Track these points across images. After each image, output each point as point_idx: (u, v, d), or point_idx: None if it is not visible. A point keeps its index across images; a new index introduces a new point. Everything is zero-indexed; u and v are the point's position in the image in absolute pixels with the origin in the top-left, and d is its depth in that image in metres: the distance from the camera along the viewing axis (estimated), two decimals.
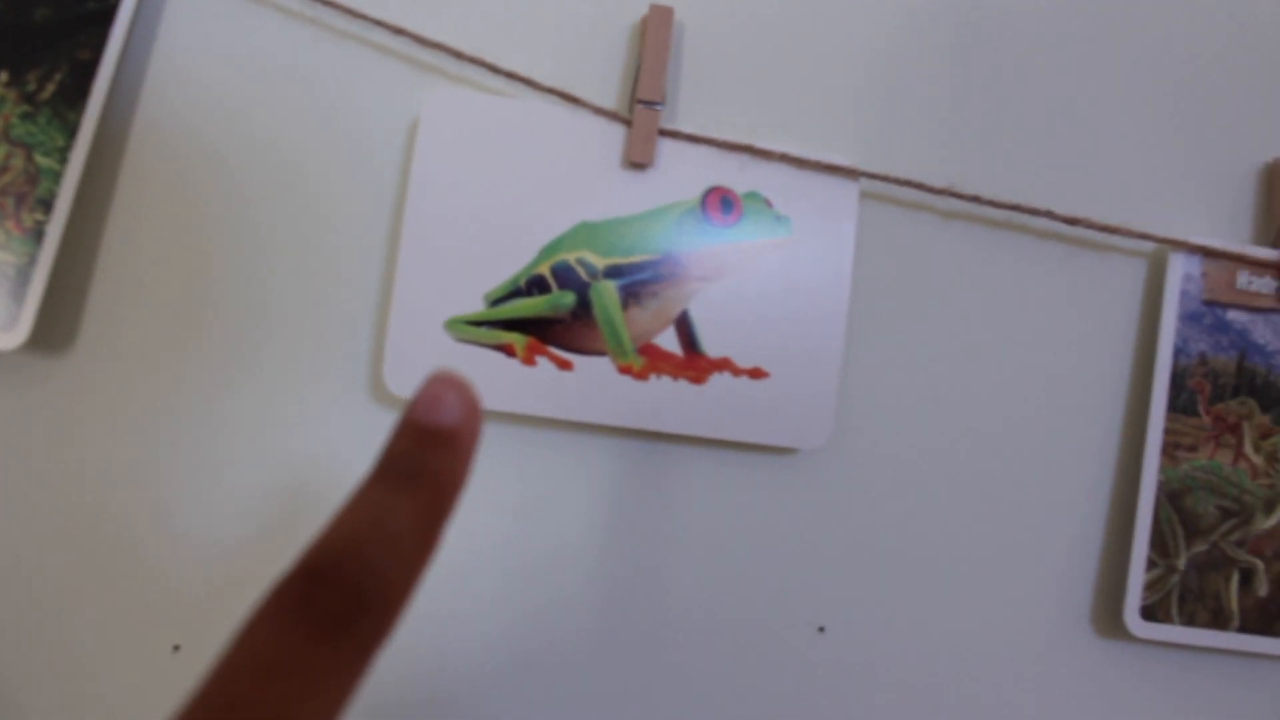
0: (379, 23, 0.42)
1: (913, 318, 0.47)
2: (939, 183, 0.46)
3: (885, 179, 0.45)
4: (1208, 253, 0.48)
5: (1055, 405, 0.48)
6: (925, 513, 0.47)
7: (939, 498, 0.47)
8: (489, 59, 0.43)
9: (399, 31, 0.43)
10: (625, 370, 0.43)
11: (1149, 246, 0.48)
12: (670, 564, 0.45)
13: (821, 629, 0.47)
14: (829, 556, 0.46)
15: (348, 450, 0.43)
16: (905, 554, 0.47)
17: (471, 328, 0.43)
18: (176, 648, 0.42)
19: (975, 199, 0.46)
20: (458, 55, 0.42)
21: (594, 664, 0.44)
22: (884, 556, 0.47)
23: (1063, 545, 0.48)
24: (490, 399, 0.42)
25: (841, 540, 0.46)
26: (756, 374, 0.45)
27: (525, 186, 0.43)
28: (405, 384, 0.42)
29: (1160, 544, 0.47)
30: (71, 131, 0.40)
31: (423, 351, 0.42)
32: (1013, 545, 0.48)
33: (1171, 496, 0.47)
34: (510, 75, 0.43)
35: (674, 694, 0.45)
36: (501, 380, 0.42)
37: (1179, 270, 0.48)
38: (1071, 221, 0.47)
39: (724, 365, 0.44)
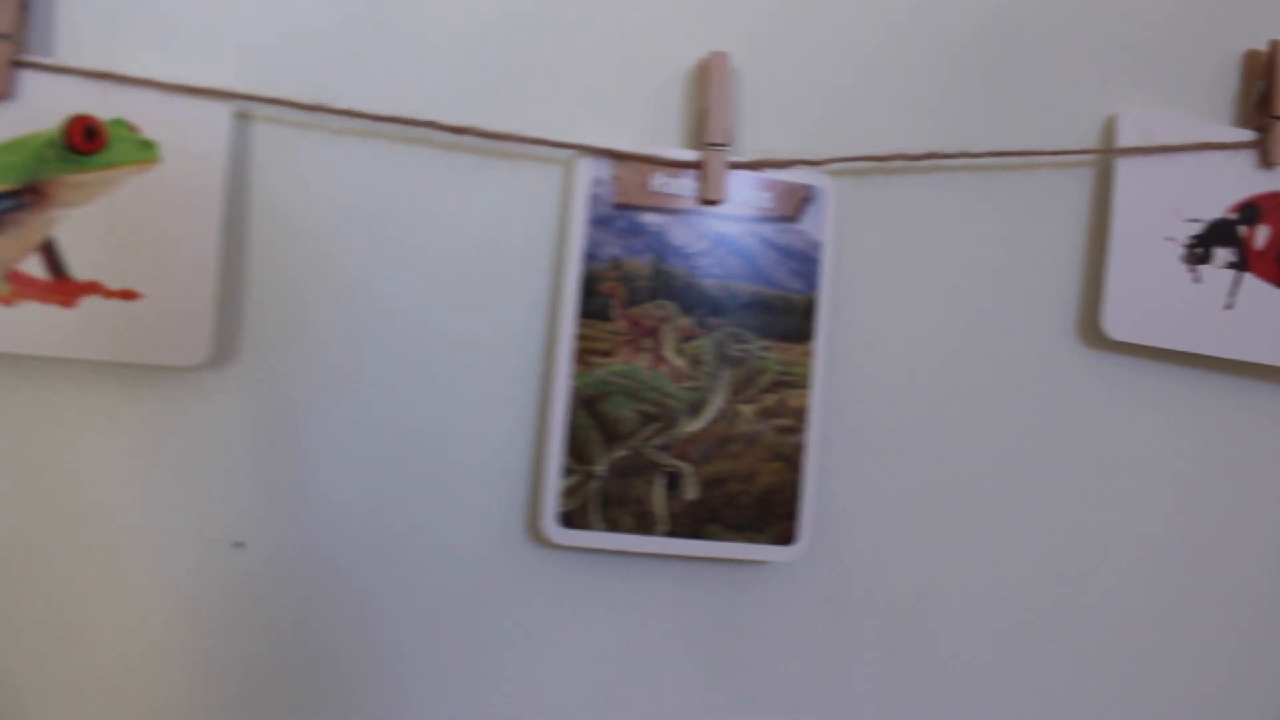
0: None
1: (318, 237, 0.47)
2: (334, 102, 0.46)
3: (252, 98, 0.45)
4: (617, 156, 0.48)
5: (478, 317, 0.48)
6: (341, 427, 0.48)
7: (359, 411, 0.48)
8: None
9: None
10: None
11: (565, 154, 0.48)
12: (81, 487, 0.46)
13: (240, 544, 0.47)
14: (241, 471, 0.47)
15: None
16: (319, 472, 0.48)
17: None
18: None
19: (348, 113, 0.46)
20: None
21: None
22: (299, 476, 0.47)
23: (494, 457, 0.48)
24: None
25: (253, 456, 0.47)
26: (128, 295, 0.45)
27: None
28: None
29: (577, 450, 0.47)
30: None
31: None
32: (446, 459, 0.49)
33: (587, 402, 0.47)
34: None
35: None
36: None
37: (587, 174, 0.48)
38: (459, 130, 0.47)
39: (93, 289, 0.45)
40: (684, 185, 0.48)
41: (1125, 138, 0.53)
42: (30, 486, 0.46)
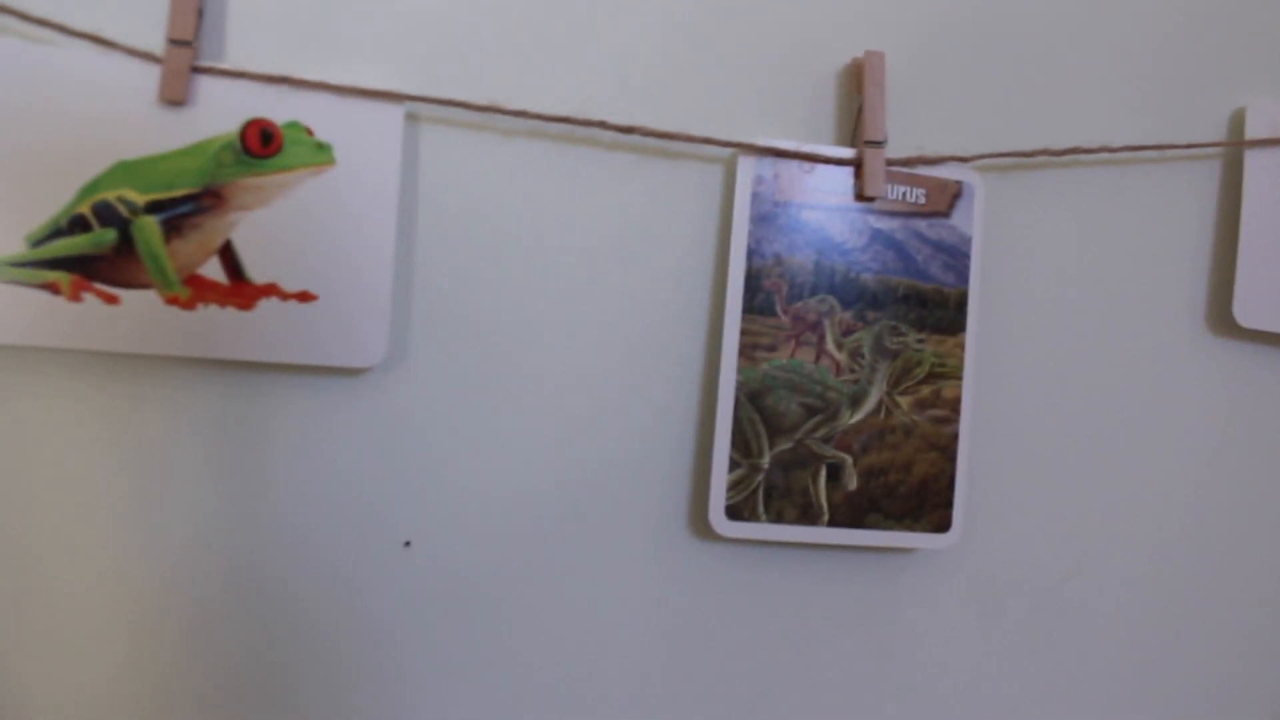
0: None
1: (486, 236, 0.48)
2: (504, 103, 0.47)
3: (426, 100, 0.46)
4: (778, 153, 0.49)
5: (642, 314, 0.49)
6: (510, 425, 0.49)
7: (525, 409, 0.49)
8: (17, 6, 0.44)
9: None
10: (172, 301, 0.45)
11: (725, 153, 0.49)
12: (263, 489, 0.46)
13: (408, 543, 0.48)
14: (411, 469, 0.47)
15: None
16: (486, 470, 0.49)
17: (14, 269, 0.44)
18: None
19: (519, 113, 0.46)
20: None
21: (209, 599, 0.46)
22: (467, 474, 0.48)
23: (658, 451, 0.50)
24: (40, 337, 0.44)
25: (422, 455, 0.47)
26: (305, 297, 0.46)
27: (61, 129, 0.44)
28: None
29: (743, 444, 0.48)
30: None
31: None
32: (610, 455, 0.50)
33: (752, 396, 0.48)
34: (40, 21, 0.44)
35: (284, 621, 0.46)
36: (50, 318, 0.44)
37: (750, 172, 0.49)
38: (626, 130, 0.47)
39: (271, 291, 0.46)
40: (842, 182, 0.49)
41: (1254, 129, 0.54)
42: (216, 486, 0.46)
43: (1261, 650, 0.56)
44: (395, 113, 0.46)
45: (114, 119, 0.45)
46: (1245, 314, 0.54)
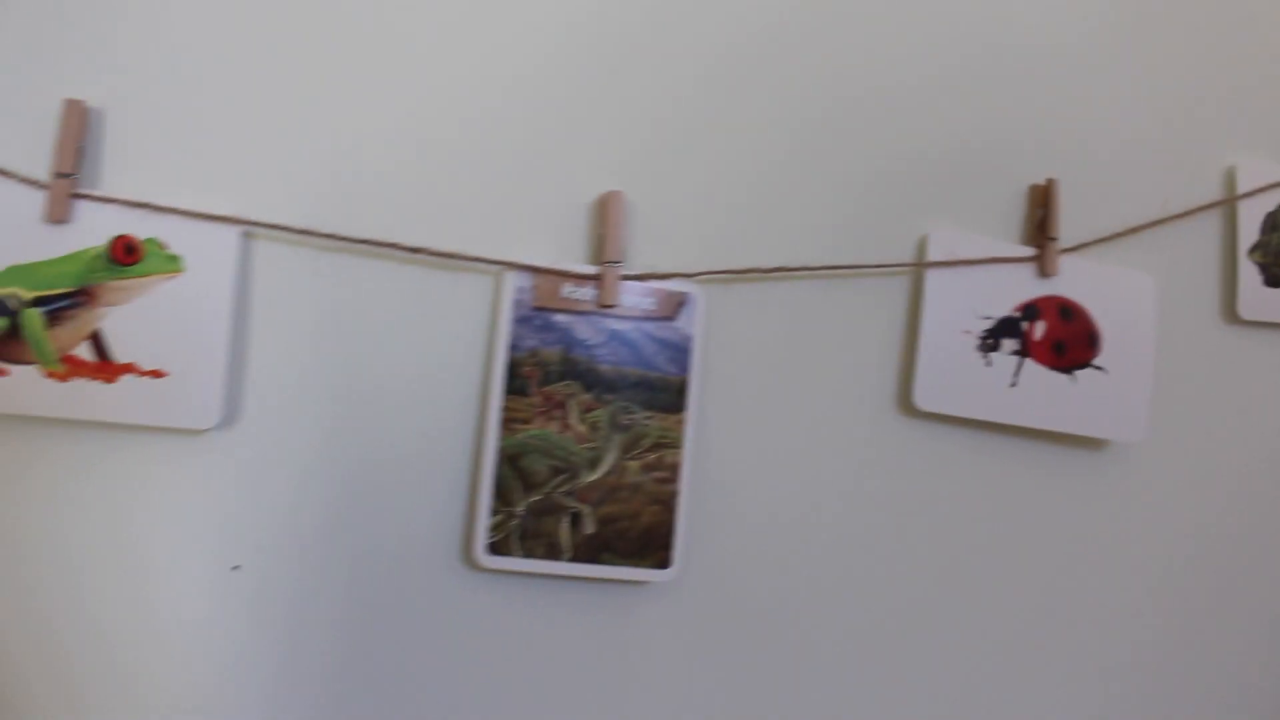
0: None
1: (308, 325, 0.63)
2: (322, 226, 0.62)
3: (256, 224, 0.61)
4: (535, 270, 0.64)
5: (430, 394, 0.64)
6: (326, 483, 0.63)
7: (332, 473, 0.64)
8: None
9: None
10: (51, 375, 0.60)
11: (494, 268, 0.64)
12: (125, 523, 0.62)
13: (237, 567, 0.63)
14: (242, 509, 0.63)
15: None
16: (309, 517, 0.63)
17: None
18: None
19: (331, 235, 0.62)
20: None
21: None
22: (295, 512, 0.63)
23: (439, 503, 0.64)
24: None
25: (253, 497, 0.63)
26: (157, 374, 0.61)
27: None
28: None
29: (504, 495, 0.63)
30: None
31: None
32: (400, 503, 0.64)
33: (510, 459, 0.63)
34: None
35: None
36: None
37: (512, 284, 0.64)
38: (415, 250, 0.63)
39: (130, 369, 0.61)
40: (587, 292, 0.65)
41: (934, 253, 0.71)
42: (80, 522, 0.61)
43: (934, 668, 0.71)
44: (232, 231, 0.62)
45: (8, 232, 0.59)
46: (924, 399, 0.70)
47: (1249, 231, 0.76)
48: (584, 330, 0.63)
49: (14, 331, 0.58)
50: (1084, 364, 0.71)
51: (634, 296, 0.64)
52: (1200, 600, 0.76)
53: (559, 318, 0.63)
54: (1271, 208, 0.77)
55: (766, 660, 0.68)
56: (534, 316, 0.62)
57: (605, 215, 0.63)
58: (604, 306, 0.63)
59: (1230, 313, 0.76)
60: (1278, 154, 0.78)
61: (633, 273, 0.64)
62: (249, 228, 0.60)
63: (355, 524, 0.63)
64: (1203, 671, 0.76)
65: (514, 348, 0.62)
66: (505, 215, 0.64)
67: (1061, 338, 0.71)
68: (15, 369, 0.58)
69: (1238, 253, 0.76)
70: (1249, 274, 0.76)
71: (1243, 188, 0.76)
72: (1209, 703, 0.76)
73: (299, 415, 0.61)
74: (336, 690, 0.62)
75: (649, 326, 0.64)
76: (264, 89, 0.62)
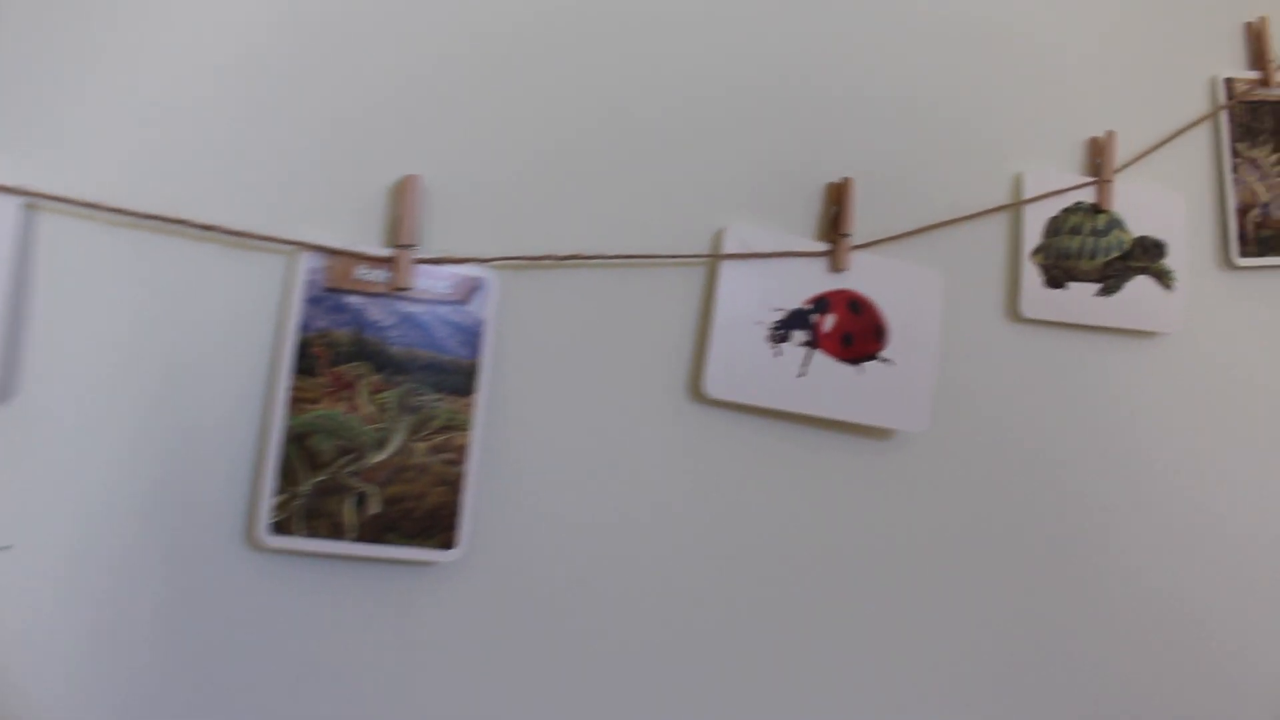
0: None
1: (98, 310, 0.62)
2: (112, 200, 0.61)
3: (42, 195, 0.60)
4: (328, 250, 0.65)
5: (218, 373, 0.64)
6: (106, 461, 0.63)
7: (113, 451, 0.64)
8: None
9: None
10: None
11: (288, 248, 0.64)
12: None
13: (9, 546, 0.62)
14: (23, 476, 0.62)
15: None
16: (88, 496, 0.63)
17: None
18: None
19: (119, 210, 0.61)
20: None
21: None
22: (72, 493, 0.63)
23: (219, 482, 0.64)
24: None
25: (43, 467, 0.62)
26: None
27: None
28: None
29: (289, 474, 0.64)
30: None
31: None
32: (184, 484, 0.64)
33: (297, 438, 0.64)
34: None
35: None
36: None
37: (305, 265, 0.64)
38: (207, 228, 0.63)
39: None
40: (380, 275, 0.66)
41: (729, 245, 0.73)
42: None
43: (719, 650, 0.75)
44: (11, 202, 0.61)
45: None
46: (713, 387, 0.72)
47: (1033, 235, 0.81)
48: (376, 312, 0.64)
49: None
50: (871, 356, 0.75)
51: (428, 280, 0.65)
52: (976, 584, 0.80)
53: (352, 299, 0.64)
54: (1054, 213, 0.81)
55: (549, 645, 0.70)
56: (326, 297, 0.63)
57: (401, 199, 0.64)
58: (397, 289, 0.64)
59: (1013, 311, 0.80)
60: (1061, 163, 0.82)
61: (428, 256, 0.64)
62: (31, 199, 0.59)
63: (137, 503, 0.63)
64: (981, 647, 0.80)
65: (304, 328, 0.63)
66: (301, 196, 0.64)
67: (850, 330, 0.74)
68: None
69: (1021, 254, 0.80)
70: (1031, 275, 0.80)
71: (1028, 193, 0.80)
72: (989, 682, 0.81)
73: (80, 391, 0.61)
74: (120, 668, 0.62)
75: (442, 310, 0.65)
76: (56, 54, 0.61)
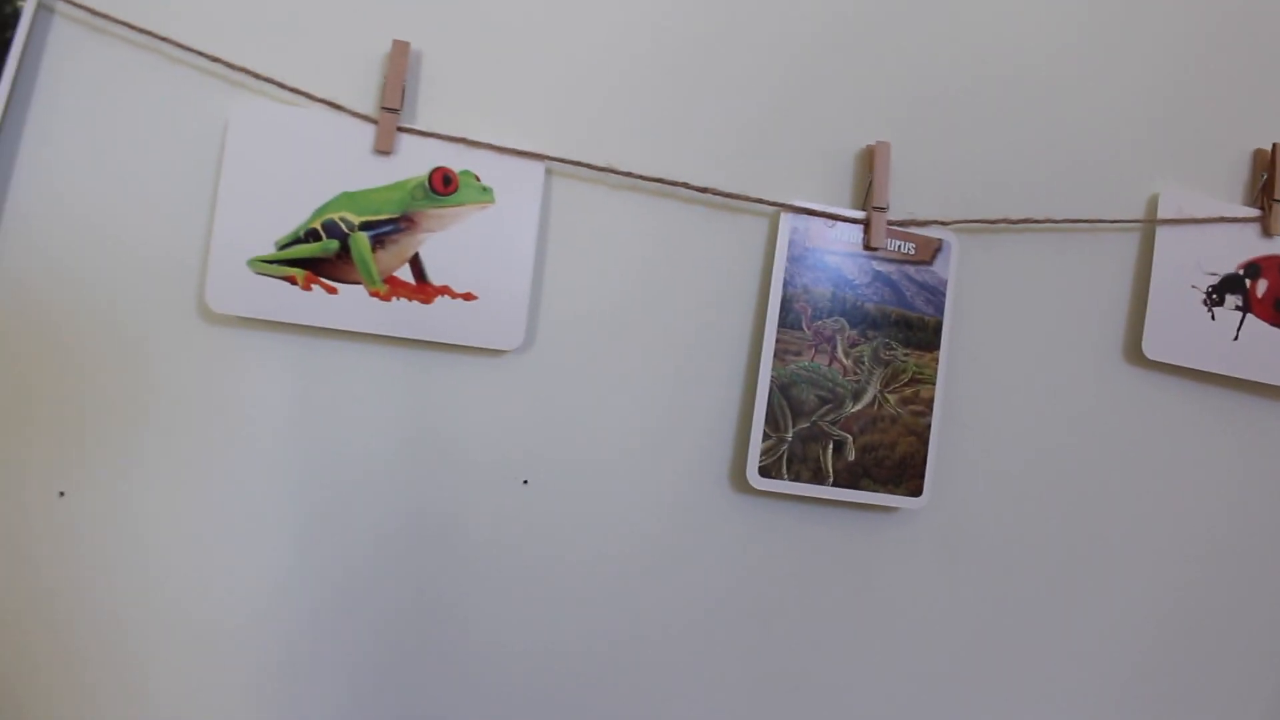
0: (200, 52, 0.65)
1: (601, 261, 0.68)
2: (620, 165, 0.67)
3: (561, 160, 0.67)
4: (809, 212, 0.69)
5: (705, 325, 0.69)
6: (610, 405, 0.68)
7: (616, 395, 0.68)
8: (277, 78, 0.65)
9: (214, 59, 0.65)
10: (375, 294, 0.65)
11: (771, 210, 0.70)
12: (430, 435, 0.67)
13: (526, 481, 0.68)
14: (538, 428, 0.67)
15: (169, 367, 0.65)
16: (597, 431, 0.68)
17: (265, 264, 0.65)
18: None
19: (629, 174, 0.67)
20: (255, 75, 0.65)
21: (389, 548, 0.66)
22: (582, 435, 0.68)
23: (708, 425, 0.69)
24: (280, 314, 0.64)
25: (548, 416, 0.68)
26: (469, 297, 0.66)
27: (303, 167, 0.65)
28: (223, 303, 0.64)
29: (774, 422, 0.69)
30: None
31: (234, 280, 0.64)
32: (677, 430, 0.69)
33: (782, 388, 0.69)
34: (292, 89, 0.65)
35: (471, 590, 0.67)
36: (288, 301, 0.64)
37: (788, 225, 0.69)
38: (702, 190, 0.68)
39: (445, 291, 0.66)
40: (854, 235, 0.70)
41: (1165, 211, 0.75)
42: (396, 432, 0.67)
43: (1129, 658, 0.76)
44: (538, 168, 0.67)
45: (340, 161, 0.65)
46: (1152, 349, 0.75)
47: None
48: (851, 270, 0.68)
49: (344, 253, 0.63)
50: None
51: (896, 241, 0.68)
52: None
53: (829, 258, 0.68)
54: None
55: (996, 589, 0.73)
56: (806, 255, 0.67)
57: (874, 165, 0.68)
58: (869, 249, 0.68)
59: None
60: None
61: (896, 219, 0.68)
62: (552, 164, 0.65)
63: (636, 444, 0.69)
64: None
65: (788, 284, 0.67)
66: (783, 163, 0.68)
67: None
68: (344, 287, 0.63)
69: None
70: None
71: None
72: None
73: (586, 342, 0.67)
74: (621, 595, 0.67)
75: (909, 269, 0.68)
76: (572, 38, 0.67)
